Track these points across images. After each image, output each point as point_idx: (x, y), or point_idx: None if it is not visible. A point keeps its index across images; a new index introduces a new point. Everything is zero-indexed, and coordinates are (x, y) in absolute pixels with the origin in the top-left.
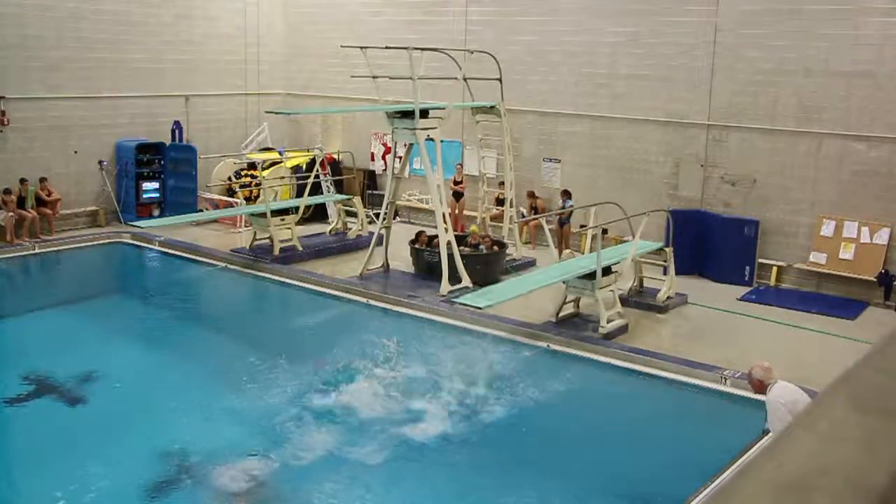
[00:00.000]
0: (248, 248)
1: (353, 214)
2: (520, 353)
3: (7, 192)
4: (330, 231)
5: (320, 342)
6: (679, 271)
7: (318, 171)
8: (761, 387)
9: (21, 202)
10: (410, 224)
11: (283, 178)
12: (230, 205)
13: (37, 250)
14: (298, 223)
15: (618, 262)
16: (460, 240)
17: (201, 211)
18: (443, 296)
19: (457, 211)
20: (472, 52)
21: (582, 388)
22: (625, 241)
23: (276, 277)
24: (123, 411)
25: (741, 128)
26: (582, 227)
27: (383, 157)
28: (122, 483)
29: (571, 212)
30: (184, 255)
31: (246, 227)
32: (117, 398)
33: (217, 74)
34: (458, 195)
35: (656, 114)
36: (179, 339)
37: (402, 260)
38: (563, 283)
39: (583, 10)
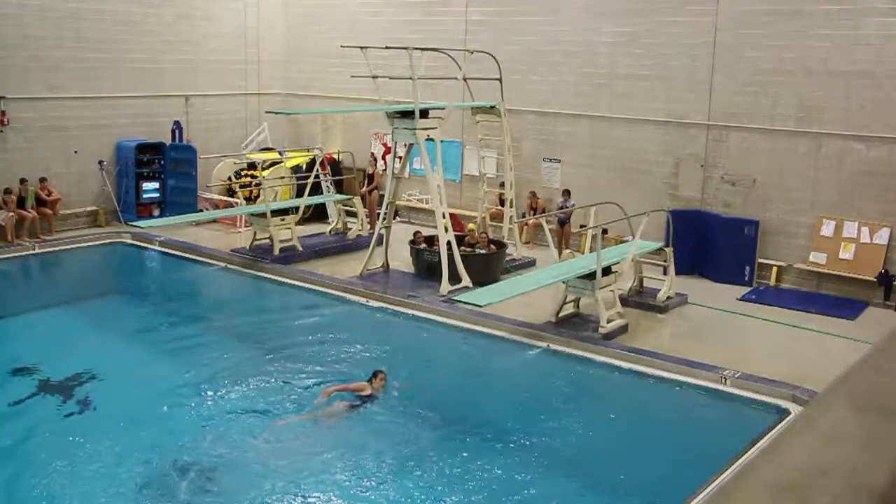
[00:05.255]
0: (248, 248)
1: (353, 214)
2: (521, 353)
3: (7, 192)
4: (330, 231)
5: (321, 343)
6: (679, 271)
7: (318, 171)
8: None
9: (21, 202)
10: (410, 224)
11: (283, 178)
12: (230, 205)
13: (37, 250)
14: (298, 223)
15: (618, 262)
16: (459, 240)
17: (201, 211)
18: (443, 295)
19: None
20: (472, 52)
21: (581, 388)
22: (625, 241)
23: (276, 277)
24: (122, 411)
25: (741, 128)
26: (582, 227)
27: (383, 157)
28: (119, 483)
29: (571, 212)
30: (184, 255)
31: (246, 227)
32: (117, 398)
33: (217, 74)
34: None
35: (656, 114)
36: (179, 339)
37: (402, 260)
38: (563, 283)
39: (583, 10)
